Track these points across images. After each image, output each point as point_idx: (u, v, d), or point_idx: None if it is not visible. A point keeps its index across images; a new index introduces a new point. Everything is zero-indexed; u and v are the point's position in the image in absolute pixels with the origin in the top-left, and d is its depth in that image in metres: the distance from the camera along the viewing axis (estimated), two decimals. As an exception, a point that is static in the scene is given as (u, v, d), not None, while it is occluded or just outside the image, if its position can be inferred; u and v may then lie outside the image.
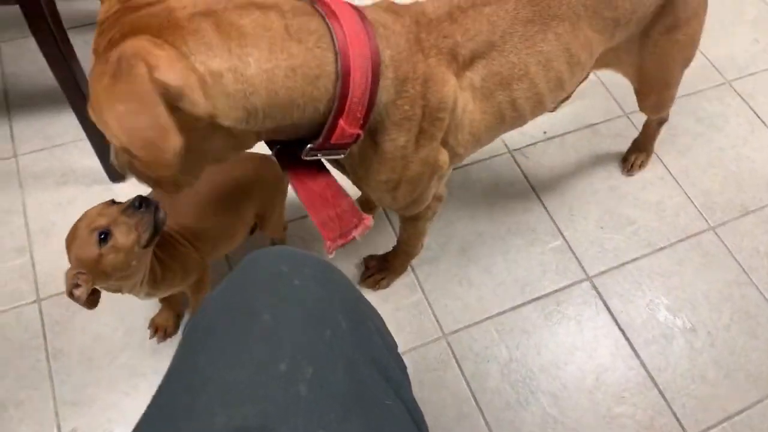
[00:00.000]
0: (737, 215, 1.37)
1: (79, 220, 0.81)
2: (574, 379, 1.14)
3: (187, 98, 0.57)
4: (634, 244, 1.31)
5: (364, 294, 0.61)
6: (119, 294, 0.88)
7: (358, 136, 0.72)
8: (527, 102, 0.87)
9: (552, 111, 1.48)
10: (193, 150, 0.65)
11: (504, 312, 1.20)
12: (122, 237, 0.79)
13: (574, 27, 0.86)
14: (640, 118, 1.36)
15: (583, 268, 1.27)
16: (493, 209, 1.34)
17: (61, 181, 1.29)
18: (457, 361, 1.14)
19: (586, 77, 1.30)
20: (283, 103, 0.64)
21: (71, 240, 0.80)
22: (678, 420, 1.11)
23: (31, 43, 0.99)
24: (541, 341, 1.17)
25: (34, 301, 1.13)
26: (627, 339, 1.19)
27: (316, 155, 0.74)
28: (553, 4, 0.84)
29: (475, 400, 1.10)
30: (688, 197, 1.40)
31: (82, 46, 1.08)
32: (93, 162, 1.26)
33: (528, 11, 0.82)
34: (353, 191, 0.96)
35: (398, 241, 1.16)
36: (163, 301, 1.09)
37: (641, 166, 1.42)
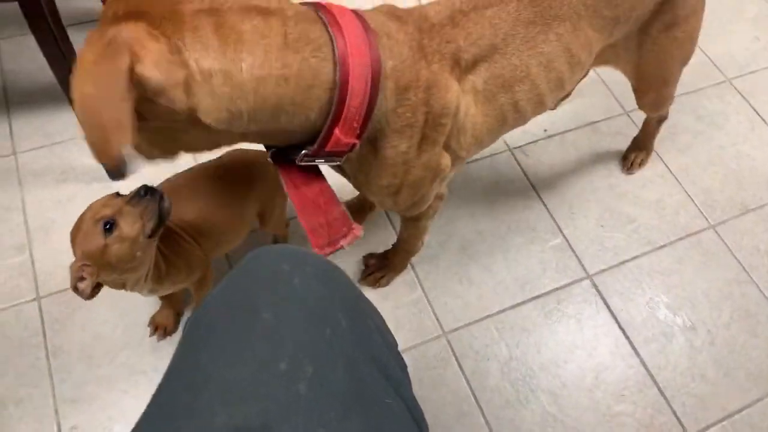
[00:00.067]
0: (737, 213, 1.37)
1: (83, 213, 0.81)
2: (574, 378, 1.14)
3: (167, 95, 0.58)
4: (634, 242, 1.31)
5: (364, 292, 0.61)
6: (121, 291, 0.88)
7: (354, 145, 0.72)
8: (529, 103, 0.87)
9: (553, 109, 1.48)
10: (169, 138, 0.66)
11: (504, 310, 1.20)
12: (127, 227, 0.79)
13: (575, 27, 0.86)
14: (641, 116, 1.36)
15: (583, 266, 1.27)
16: (494, 207, 1.34)
17: (61, 178, 1.29)
18: (457, 359, 1.14)
19: (585, 74, 1.30)
20: (270, 110, 0.64)
21: (76, 232, 0.80)
22: (678, 418, 1.11)
23: (31, 41, 0.99)
24: (541, 339, 1.17)
25: (34, 299, 1.13)
26: (627, 337, 1.19)
27: (312, 161, 0.74)
28: (555, 4, 0.84)
29: (475, 398, 1.10)
30: (689, 195, 1.40)
31: (82, 44, 1.08)
32: (92, 160, 1.25)
33: (529, 12, 0.82)
34: (352, 190, 0.96)
35: (398, 239, 1.16)
36: (163, 299, 1.09)
37: (641, 164, 1.42)
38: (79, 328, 1.11)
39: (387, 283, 1.21)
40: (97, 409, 1.03)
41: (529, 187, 1.38)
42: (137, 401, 1.03)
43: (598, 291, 1.24)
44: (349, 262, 1.23)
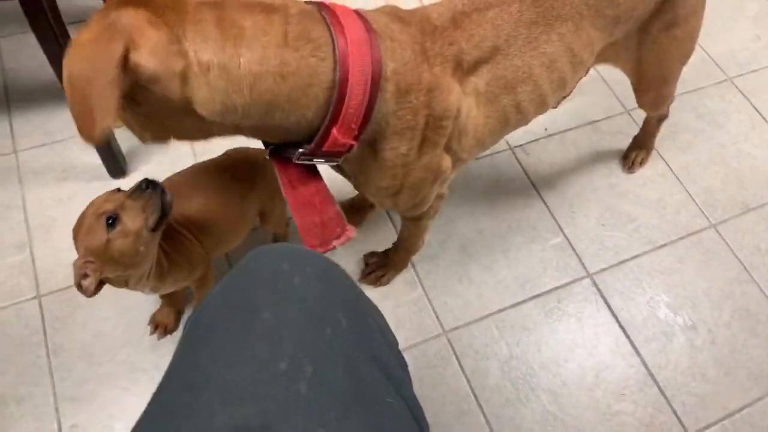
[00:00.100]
0: (738, 212, 1.37)
1: (85, 209, 0.82)
2: (575, 377, 1.14)
3: (161, 84, 0.59)
4: (634, 241, 1.31)
5: (364, 291, 0.61)
6: (121, 290, 0.88)
7: (352, 146, 0.72)
8: (531, 104, 0.87)
9: (554, 107, 1.48)
10: (162, 124, 0.66)
11: (504, 309, 1.20)
12: (130, 220, 0.79)
13: (577, 26, 0.86)
14: (641, 115, 1.36)
15: (583, 265, 1.27)
16: (494, 206, 1.34)
17: (61, 176, 1.29)
18: (457, 358, 1.14)
19: (585, 72, 1.30)
20: (265, 106, 0.65)
21: (78, 229, 0.80)
22: (678, 417, 1.11)
23: (31, 39, 0.99)
24: (541, 338, 1.17)
25: (35, 297, 1.13)
26: (627, 336, 1.19)
27: (309, 160, 0.74)
28: (557, 4, 0.83)
29: (475, 397, 1.10)
30: (689, 194, 1.39)
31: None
32: (93, 158, 1.25)
33: (532, 13, 0.82)
34: (352, 189, 0.96)
35: (399, 238, 1.16)
36: (163, 297, 1.09)
37: (642, 163, 1.42)
38: (79, 327, 1.11)
39: (387, 282, 1.21)
40: (98, 408, 1.03)
41: (530, 185, 1.38)
42: (138, 399, 1.03)
43: (599, 290, 1.24)
44: (349, 260, 1.23)
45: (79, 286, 0.78)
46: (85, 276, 0.78)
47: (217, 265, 1.04)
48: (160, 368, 0.51)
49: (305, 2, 0.71)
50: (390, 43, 0.72)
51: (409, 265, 1.23)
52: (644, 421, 1.10)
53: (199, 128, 0.67)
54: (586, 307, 1.22)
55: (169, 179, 0.97)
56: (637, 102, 1.20)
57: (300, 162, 0.74)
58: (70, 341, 1.09)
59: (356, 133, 0.71)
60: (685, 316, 1.22)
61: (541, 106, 0.90)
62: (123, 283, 0.85)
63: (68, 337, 1.10)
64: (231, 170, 1.00)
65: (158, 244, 0.87)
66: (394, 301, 1.19)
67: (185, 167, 1.03)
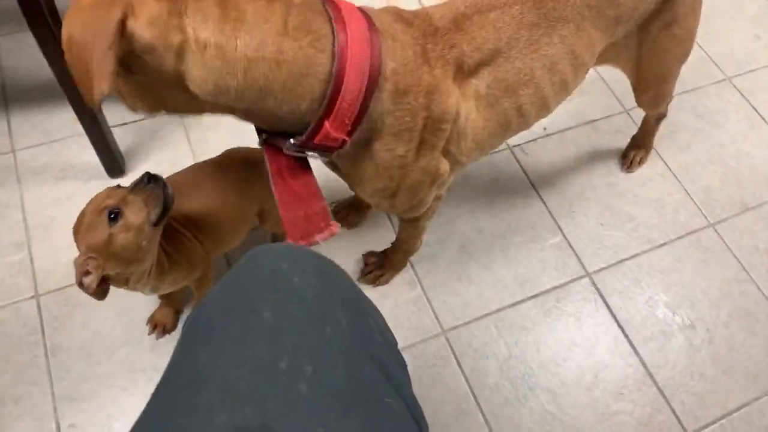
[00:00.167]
0: (737, 212, 1.37)
1: (85, 206, 0.81)
2: (573, 376, 1.14)
3: (156, 56, 0.60)
4: (633, 240, 1.31)
5: (363, 290, 0.61)
6: (120, 290, 0.88)
7: (344, 142, 0.72)
8: (533, 107, 0.87)
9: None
10: (155, 95, 0.66)
11: (503, 308, 1.20)
12: (133, 215, 0.79)
13: (579, 28, 0.85)
14: (640, 115, 1.36)
15: (582, 264, 1.27)
16: (493, 206, 1.34)
17: (60, 176, 1.29)
18: (456, 358, 1.14)
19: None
20: (257, 91, 0.65)
21: (79, 225, 0.80)
22: (677, 417, 1.11)
23: (29, 38, 0.98)
24: (540, 338, 1.17)
25: (33, 297, 1.13)
26: (626, 336, 1.19)
27: (301, 152, 0.74)
28: (558, 6, 0.83)
29: (474, 396, 1.10)
30: (688, 194, 1.39)
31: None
32: (91, 157, 1.25)
33: (533, 15, 0.82)
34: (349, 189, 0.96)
35: (397, 239, 1.16)
36: (162, 297, 1.09)
37: (641, 162, 1.42)
38: (78, 326, 1.11)
39: (386, 282, 1.21)
40: (96, 407, 1.03)
41: (529, 185, 1.38)
42: (136, 399, 1.03)
43: (598, 289, 1.24)
44: (348, 260, 1.23)
45: (81, 284, 0.78)
46: (87, 273, 0.78)
47: (216, 265, 1.04)
48: (158, 368, 0.51)
49: None
50: (392, 43, 0.71)
51: (408, 264, 1.23)
52: (643, 420, 1.10)
53: (191, 104, 0.67)
54: (584, 307, 1.22)
55: (168, 179, 0.97)
56: (636, 101, 1.20)
57: (291, 153, 0.74)
58: (69, 341, 1.09)
59: (349, 128, 0.71)
60: (684, 316, 1.22)
61: (543, 109, 0.89)
62: (123, 281, 0.85)
63: (67, 336, 1.09)
64: (230, 170, 1.00)
65: (158, 243, 0.87)
66: (393, 301, 1.19)
67: (184, 167, 1.03)
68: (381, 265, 1.20)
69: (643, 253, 1.30)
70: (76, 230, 0.80)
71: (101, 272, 0.78)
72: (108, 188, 0.83)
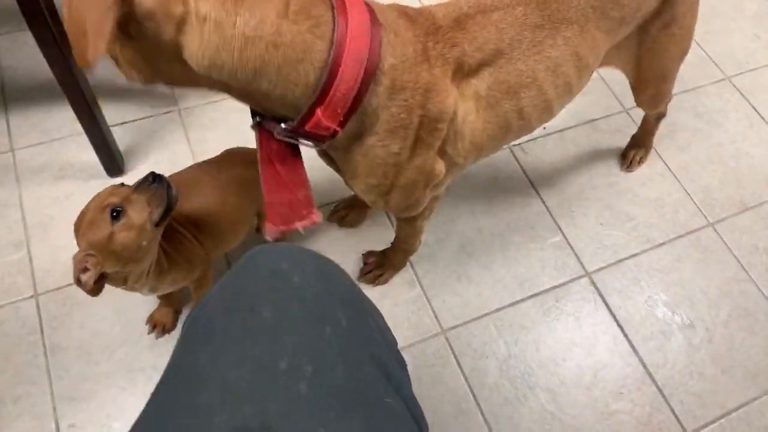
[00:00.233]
0: (736, 211, 1.38)
1: (88, 203, 0.81)
2: (573, 375, 1.14)
3: (156, 23, 0.59)
4: (633, 240, 1.31)
5: (363, 290, 0.61)
6: (121, 290, 0.88)
7: (336, 132, 0.71)
8: (535, 109, 0.86)
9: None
10: (151, 63, 0.66)
11: (503, 308, 1.20)
12: (135, 214, 0.79)
13: (583, 29, 0.85)
14: (640, 114, 1.36)
15: (581, 264, 1.27)
16: (492, 205, 1.34)
17: (59, 175, 1.28)
18: (455, 357, 1.14)
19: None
20: (252, 71, 0.65)
21: (81, 221, 0.80)
22: (676, 416, 1.11)
23: (29, 37, 0.98)
24: (539, 337, 1.17)
25: (32, 296, 1.13)
26: (625, 335, 1.19)
27: (292, 138, 0.74)
28: (562, 7, 0.82)
29: (474, 395, 1.10)
30: (687, 193, 1.40)
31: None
32: (90, 156, 1.25)
33: (537, 16, 0.81)
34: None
35: (396, 238, 1.15)
36: (161, 297, 1.09)
37: (640, 161, 1.42)
38: (77, 326, 1.10)
39: (386, 281, 1.21)
40: (96, 407, 1.03)
41: (528, 184, 1.38)
42: (136, 399, 1.03)
43: (597, 289, 1.24)
44: (348, 260, 1.23)
45: (78, 281, 0.78)
46: (85, 270, 0.77)
47: (216, 265, 1.04)
48: (158, 368, 0.51)
49: None
50: (393, 38, 0.71)
51: (408, 264, 1.23)
52: (642, 420, 1.10)
53: (187, 76, 0.67)
54: (584, 306, 1.22)
55: (168, 179, 0.97)
56: (636, 101, 1.20)
57: (282, 138, 0.74)
58: (68, 340, 1.09)
59: (342, 119, 0.70)
60: (683, 315, 1.22)
61: (545, 112, 0.89)
62: (122, 281, 0.85)
63: (66, 336, 1.09)
64: (230, 170, 1.00)
65: (158, 244, 0.87)
66: (392, 300, 1.19)
67: (184, 167, 1.03)
68: (380, 265, 1.20)
69: (642, 252, 1.30)
70: (78, 226, 0.80)
71: (100, 270, 0.78)
72: (112, 186, 0.83)
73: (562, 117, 1.49)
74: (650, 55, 1.03)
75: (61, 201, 1.25)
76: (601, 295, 1.24)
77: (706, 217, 1.36)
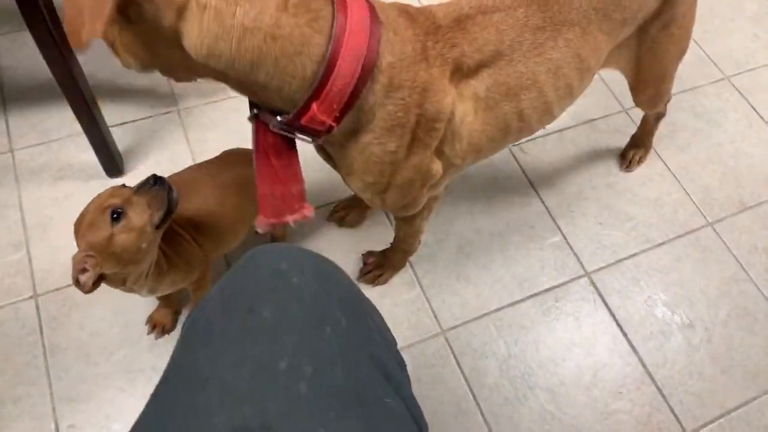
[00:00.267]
0: (735, 211, 1.38)
1: (89, 203, 0.81)
2: (572, 375, 1.14)
3: (155, 6, 0.60)
4: (632, 240, 1.31)
5: (362, 290, 0.61)
6: (120, 291, 0.88)
7: (331, 127, 0.72)
8: (535, 111, 0.86)
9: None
10: (149, 49, 0.66)
11: (502, 308, 1.20)
12: (136, 216, 0.79)
13: (585, 31, 0.85)
14: (639, 114, 1.36)
15: (581, 264, 1.27)
16: (492, 205, 1.34)
17: (58, 176, 1.28)
18: (455, 357, 1.14)
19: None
20: (249, 62, 0.65)
21: (81, 222, 0.80)
22: (675, 416, 1.11)
23: (28, 37, 0.98)
24: (539, 337, 1.17)
25: (31, 297, 1.13)
26: (625, 335, 1.19)
27: (287, 132, 0.74)
28: (564, 9, 0.82)
29: (474, 395, 1.10)
30: (687, 193, 1.40)
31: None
32: (90, 157, 1.25)
33: (538, 18, 0.81)
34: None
35: (395, 238, 1.15)
36: (161, 298, 1.09)
37: (640, 161, 1.42)
38: (76, 326, 1.10)
39: (385, 281, 1.21)
40: (95, 408, 1.03)
41: (528, 184, 1.38)
42: (135, 400, 1.03)
43: (596, 289, 1.25)
44: (347, 260, 1.23)
45: (77, 282, 0.78)
46: (84, 270, 0.77)
47: (215, 265, 1.04)
48: (157, 368, 0.51)
49: None
50: (392, 36, 0.71)
51: (407, 264, 1.23)
52: (642, 419, 1.10)
53: (185, 64, 0.67)
54: (583, 306, 1.22)
55: (168, 180, 0.97)
56: (635, 101, 1.20)
57: (277, 131, 0.74)
58: (67, 341, 1.09)
59: (337, 114, 0.70)
60: (683, 315, 1.22)
61: (546, 114, 0.88)
62: (120, 282, 0.85)
63: (65, 336, 1.09)
64: (229, 171, 1.00)
65: (160, 238, 0.86)
66: (392, 301, 1.19)
67: (183, 167, 1.03)
68: (380, 265, 1.20)
69: (641, 252, 1.30)
70: (78, 227, 0.80)
71: (98, 271, 0.78)
72: (112, 187, 0.83)
73: (562, 117, 1.48)
74: (649, 55, 1.03)
75: (60, 201, 1.24)
76: (600, 295, 1.24)
77: (705, 217, 1.36)
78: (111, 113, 1.27)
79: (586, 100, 1.52)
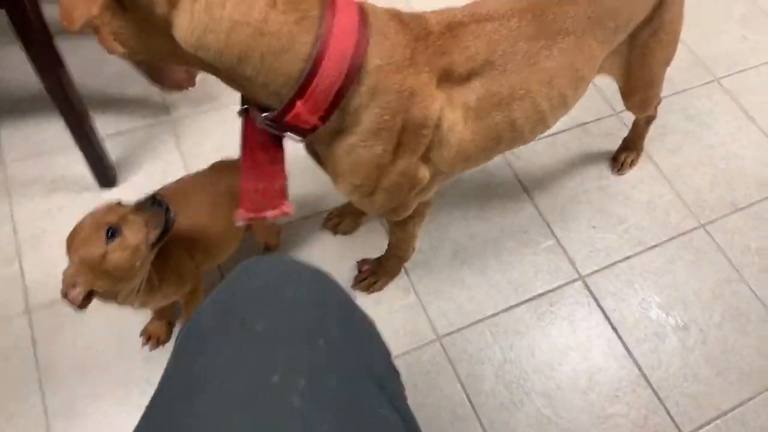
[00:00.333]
0: (727, 212, 1.38)
1: (83, 218, 0.81)
2: (568, 380, 1.14)
3: None
4: (625, 242, 1.32)
5: (357, 297, 0.61)
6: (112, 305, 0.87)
7: (316, 126, 0.72)
8: (527, 122, 0.85)
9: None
10: (139, 37, 0.66)
11: (497, 313, 1.20)
12: (132, 234, 0.79)
13: (579, 40, 0.84)
14: (630, 117, 1.36)
15: (575, 267, 1.28)
16: (485, 210, 1.34)
17: (50, 188, 1.28)
18: (451, 364, 1.14)
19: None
20: (236, 56, 0.66)
21: (74, 237, 0.79)
22: (672, 418, 1.11)
23: (19, 49, 0.98)
24: (534, 342, 1.17)
25: (24, 312, 1.12)
26: (620, 338, 1.19)
27: (272, 128, 0.74)
28: (559, 18, 0.82)
29: (470, 402, 1.10)
30: (679, 195, 1.40)
31: (70, 53, 1.07)
32: (82, 169, 1.25)
33: (532, 28, 0.80)
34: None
35: (389, 245, 1.16)
36: (155, 309, 1.08)
37: (632, 164, 1.42)
38: (69, 340, 1.10)
39: (380, 288, 1.20)
40: (90, 422, 1.02)
41: (521, 189, 1.38)
42: (130, 413, 1.02)
43: (591, 292, 1.25)
44: (342, 267, 1.23)
45: (65, 296, 0.77)
46: (74, 286, 0.77)
47: (208, 276, 1.03)
48: (152, 381, 0.51)
49: None
50: (382, 40, 0.72)
51: (403, 270, 1.23)
52: (638, 422, 1.10)
53: (174, 53, 0.67)
54: (578, 310, 1.22)
55: (159, 194, 0.97)
56: (626, 105, 1.21)
57: (263, 127, 0.75)
58: (61, 355, 1.08)
59: (323, 114, 0.71)
60: (677, 317, 1.23)
61: (539, 125, 0.88)
62: (112, 296, 0.84)
63: (58, 351, 1.09)
64: (220, 182, 1.00)
65: (154, 255, 0.86)
66: (387, 307, 1.19)
67: (176, 177, 1.02)
68: (375, 272, 1.20)
69: (635, 255, 1.30)
70: (71, 241, 0.79)
71: (89, 287, 0.77)
72: (108, 204, 0.82)
73: (553, 121, 1.50)
74: (640, 61, 1.04)
75: (53, 214, 1.24)
76: (594, 299, 1.24)
77: (697, 219, 1.37)
78: (103, 124, 1.27)
79: (577, 104, 1.53)
